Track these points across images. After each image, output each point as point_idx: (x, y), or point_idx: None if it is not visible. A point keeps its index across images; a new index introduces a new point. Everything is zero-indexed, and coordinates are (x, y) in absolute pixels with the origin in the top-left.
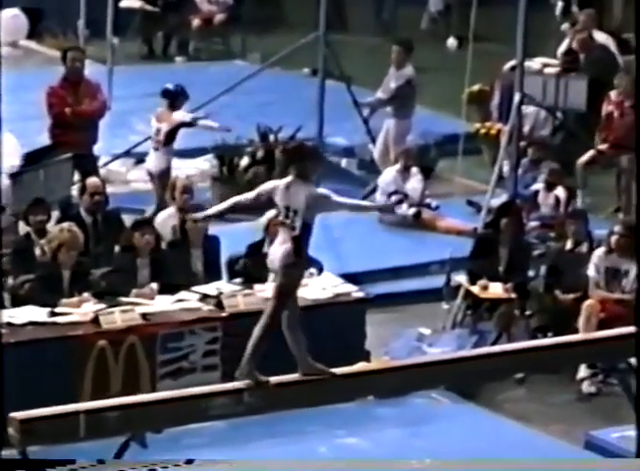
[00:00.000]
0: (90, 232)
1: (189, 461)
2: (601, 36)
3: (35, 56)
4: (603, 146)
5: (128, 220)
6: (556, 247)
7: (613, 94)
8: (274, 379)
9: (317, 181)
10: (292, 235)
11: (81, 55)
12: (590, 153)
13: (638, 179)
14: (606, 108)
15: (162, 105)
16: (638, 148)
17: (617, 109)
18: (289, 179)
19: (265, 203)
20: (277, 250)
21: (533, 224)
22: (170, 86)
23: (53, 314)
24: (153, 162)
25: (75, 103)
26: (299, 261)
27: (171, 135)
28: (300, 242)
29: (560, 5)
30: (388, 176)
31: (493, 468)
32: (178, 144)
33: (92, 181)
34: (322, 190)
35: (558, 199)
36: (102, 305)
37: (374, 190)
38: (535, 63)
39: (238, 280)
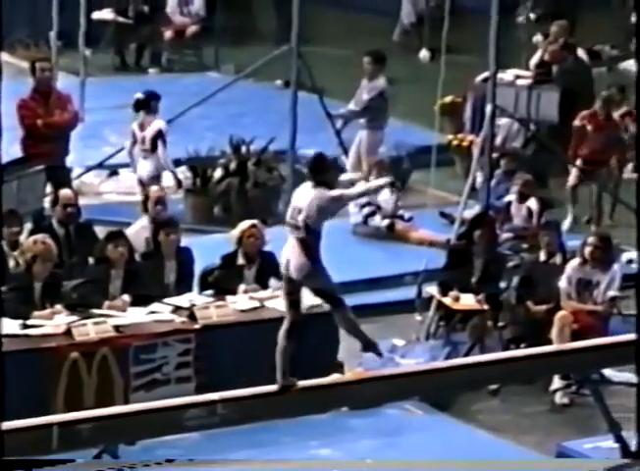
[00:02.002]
0: (63, 243)
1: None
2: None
3: (6, 68)
4: (578, 163)
5: (100, 232)
6: (529, 259)
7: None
8: (246, 390)
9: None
10: (298, 237)
11: (50, 65)
12: (575, 173)
13: (638, 180)
14: (578, 122)
15: (139, 115)
16: (638, 151)
17: (590, 123)
18: (309, 184)
19: None
20: (288, 255)
21: (506, 235)
22: (139, 96)
23: (25, 326)
24: (144, 169)
25: (46, 115)
26: (315, 268)
27: (155, 142)
28: (309, 247)
29: (531, 16)
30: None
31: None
32: None
33: (65, 192)
34: (333, 192)
35: (530, 210)
36: (75, 317)
37: None
38: (507, 74)
39: (209, 291)
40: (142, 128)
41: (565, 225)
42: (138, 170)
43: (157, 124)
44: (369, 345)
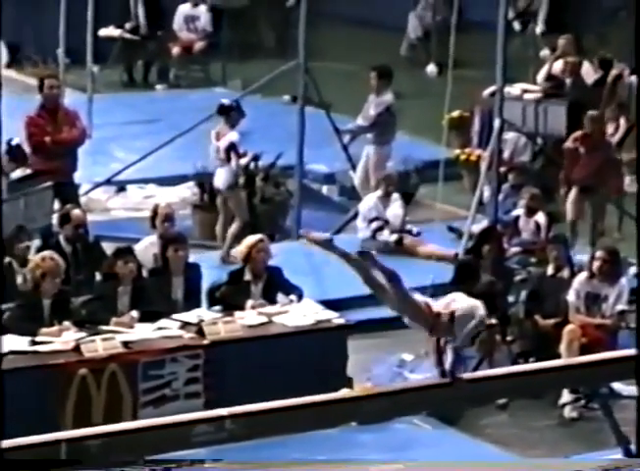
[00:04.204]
0: (70, 260)
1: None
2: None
3: (14, 84)
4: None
5: (108, 248)
6: (537, 273)
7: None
8: (255, 406)
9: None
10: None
11: (58, 82)
12: (572, 200)
13: (638, 189)
14: (570, 144)
15: (219, 123)
16: (638, 157)
17: (583, 144)
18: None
19: None
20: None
21: (514, 249)
22: (225, 102)
23: (34, 343)
24: (221, 179)
25: (54, 131)
26: None
27: (229, 153)
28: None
29: (537, 30)
30: (369, 202)
31: None
32: (158, 172)
33: (76, 213)
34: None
35: (538, 225)
36: (83, 334)
37: (355, 217)
38: (515, 88)
39: (217, 307)
40: (218, 137)
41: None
42: (216, 179)
43: (230, 136)
44: None
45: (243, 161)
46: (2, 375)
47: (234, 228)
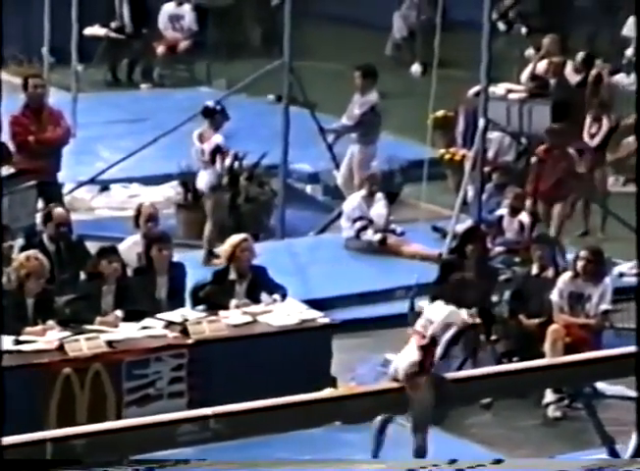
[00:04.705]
0: (54, 259)
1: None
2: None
3: None
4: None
5: (92, 247)
6: (521, 272)
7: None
8: (239, 405)
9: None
10: (420, 343)
11: (42, 81)
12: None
13: (638, 191)
14: (535, 158)
15: (203, 125)
16: (638, 159)
17: (547, 157)
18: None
19: None
20: (404, 357)
21: (498, 249)
22: (210, 104)
23: (18, 342)
24: (204, 180)
25: (38, 131)
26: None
27: (214, 155)
28: (428, 355)
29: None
30: (353, 202)
31: None
32: (142, 171)
33: (58, 211)
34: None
35: (522, 224)
36: (67, 333)
37: (339, 216)
38: (499, 88)
39: (201, 307)
40: (201, 139)
41: None
42: (198, 181)
43: (216, 138)
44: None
45: (227, 162)
46: (2, 374)
47: (206, 231)
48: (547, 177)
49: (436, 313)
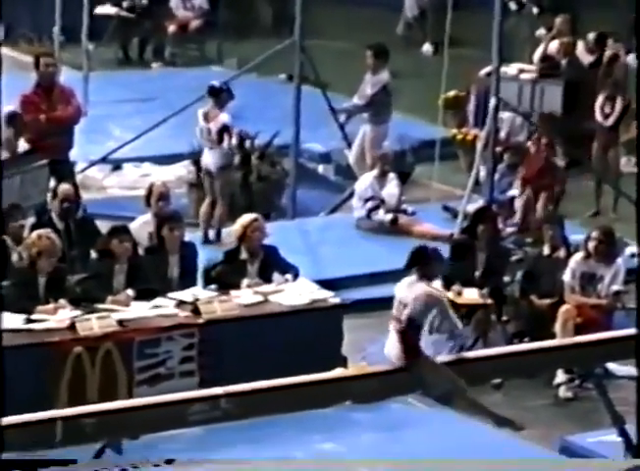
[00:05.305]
0: (63, 237)
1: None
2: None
3: (10, 62)
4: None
5: (104, 226)
6: (533, 253)
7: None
8: (250, 385)
9: (294, 186)
10: (397, 328)
11: (54, 60)
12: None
13: (638, 176)
14: (529, 144)
15: (208, 103)
16: (638, 146)
17: (534, 145)
18: (413, 277)
19: None
20: (389, 346)
21: (510, 229)
22: (215, 83)
23: (29, 321)
24: (211, 160)
25: (49, 109)
26: (410, 362)
27: (222, 135)
28: (408, 339)
29: (534, 10)
30: (365, 181)
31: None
32: (153, 151)
33: (63, 187)
34: (436, 293)
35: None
36: (78, 312)
37: (351, 196)
38: (511, 68)
39: (213, 286)
40: (207, 118)
41: None
42: (204, 160)
43: (223, 117)
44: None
45: (234, 141)
46: (2, 351)
47: (219, 211)
48: (533, 164)
49: (406, 292)
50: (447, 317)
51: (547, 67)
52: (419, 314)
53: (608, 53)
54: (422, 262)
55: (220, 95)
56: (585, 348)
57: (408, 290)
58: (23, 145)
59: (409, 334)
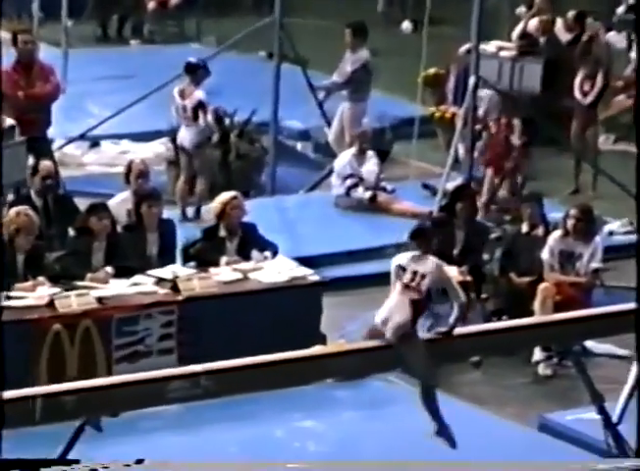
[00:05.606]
0: (41, 214)
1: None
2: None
3: None
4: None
5: (82, 203)
6: (512, 231)
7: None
8: (229, 362)
9: (273, 163)
10: (412, 299)
11: (32, 37)
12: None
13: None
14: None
15: (184, 81)
16: (639, 145)
17: (495, 125)
18: (416, 252)
19: None
20: (391, 312)
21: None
22: (192, 60)
23: (8, 298)
24: (187, 138)
25: (27, 86)
26: (415, 333)
27: (196, 111)
28: (422, 309)
29: None
30: (343, 159)
31: None
32: (132, 128)
33: (45, 164)
34: (453, 277)
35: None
36: (57, 289)
37: (330, 174)
38: (490, 46)
39: (192, 263)
40: (182, 95)
41: None
42: (180, 137)
43: (198, 94)
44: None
45: (209, 118)
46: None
47: (200, 188)
48: (494, 145)
49: (425, 266)
50: (453, 289)
51: (526, 44)
52: (435, 285)
53: (587, 33)
54: (426, 237)
55: (196, 72)
56: (564, 326)
57: (421, 263)
58: (10, 121)
59: (425, 304)
